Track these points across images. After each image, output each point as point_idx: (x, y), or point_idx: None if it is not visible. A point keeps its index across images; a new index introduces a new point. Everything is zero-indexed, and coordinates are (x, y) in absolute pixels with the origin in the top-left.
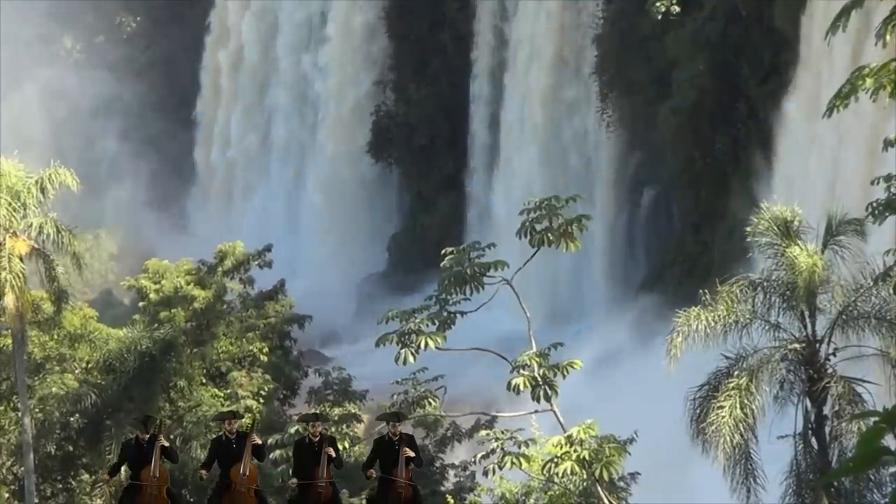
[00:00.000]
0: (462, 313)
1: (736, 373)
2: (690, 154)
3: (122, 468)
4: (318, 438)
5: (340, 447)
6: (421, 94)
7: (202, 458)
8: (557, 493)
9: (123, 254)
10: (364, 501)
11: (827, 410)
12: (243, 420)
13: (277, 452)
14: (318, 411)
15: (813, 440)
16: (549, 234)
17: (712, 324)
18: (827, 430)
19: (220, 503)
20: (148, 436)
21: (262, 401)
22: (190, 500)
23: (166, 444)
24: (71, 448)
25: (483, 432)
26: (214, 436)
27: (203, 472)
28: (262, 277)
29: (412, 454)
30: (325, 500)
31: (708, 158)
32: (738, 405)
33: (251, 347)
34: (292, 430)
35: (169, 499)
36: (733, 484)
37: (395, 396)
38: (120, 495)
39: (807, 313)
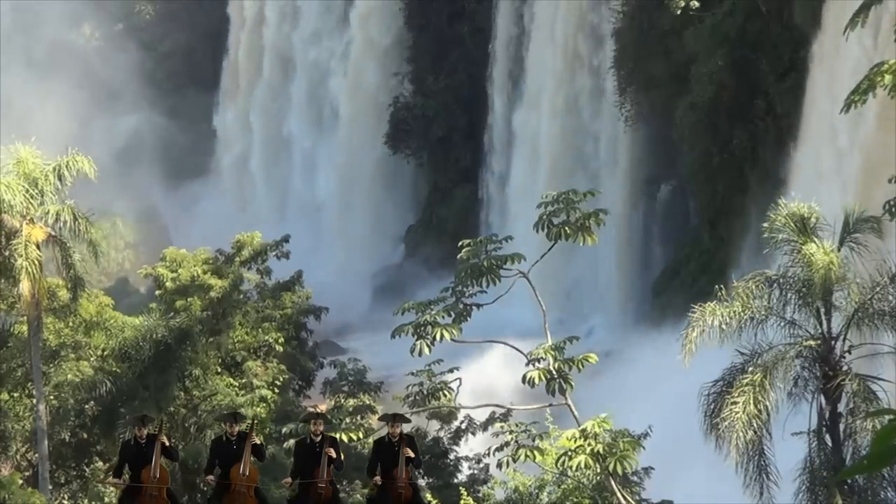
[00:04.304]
0: (478, 305)
1: (750, 369)
2: (708, 149)
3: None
4: (318, 438)
5: (355, 438)
6: (439, 86)
7: None
8: (571, 486)
9: (140, 242)
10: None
11: (841, 408)
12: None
13: (292, 442)
14: (321, 410)
15: (827, 437)
16: (567, 228)
17: (727, 319)
18: (841, 427)
19: (219, 503)
20: (146, 434)
21: (276, 391)
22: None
23: (167, 443)
24: (85, 435)
25: (497, 425)
26: (215, 436)
27: (209, 477)
28: (279, 268)
29: (412, 455)
30: (325, 500)
31: (725, 154)
32: (751, 401)
33: (267, 337)
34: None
35: (169, 499)
36: (746, 480)
37: (409, 388)
38: (119, 495)
39: (822, 310)
